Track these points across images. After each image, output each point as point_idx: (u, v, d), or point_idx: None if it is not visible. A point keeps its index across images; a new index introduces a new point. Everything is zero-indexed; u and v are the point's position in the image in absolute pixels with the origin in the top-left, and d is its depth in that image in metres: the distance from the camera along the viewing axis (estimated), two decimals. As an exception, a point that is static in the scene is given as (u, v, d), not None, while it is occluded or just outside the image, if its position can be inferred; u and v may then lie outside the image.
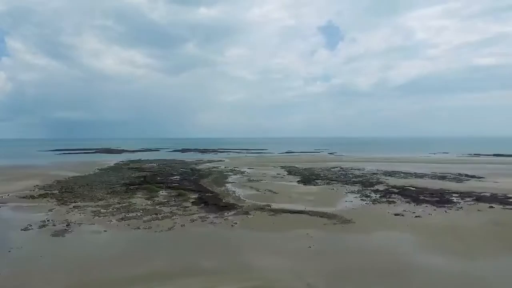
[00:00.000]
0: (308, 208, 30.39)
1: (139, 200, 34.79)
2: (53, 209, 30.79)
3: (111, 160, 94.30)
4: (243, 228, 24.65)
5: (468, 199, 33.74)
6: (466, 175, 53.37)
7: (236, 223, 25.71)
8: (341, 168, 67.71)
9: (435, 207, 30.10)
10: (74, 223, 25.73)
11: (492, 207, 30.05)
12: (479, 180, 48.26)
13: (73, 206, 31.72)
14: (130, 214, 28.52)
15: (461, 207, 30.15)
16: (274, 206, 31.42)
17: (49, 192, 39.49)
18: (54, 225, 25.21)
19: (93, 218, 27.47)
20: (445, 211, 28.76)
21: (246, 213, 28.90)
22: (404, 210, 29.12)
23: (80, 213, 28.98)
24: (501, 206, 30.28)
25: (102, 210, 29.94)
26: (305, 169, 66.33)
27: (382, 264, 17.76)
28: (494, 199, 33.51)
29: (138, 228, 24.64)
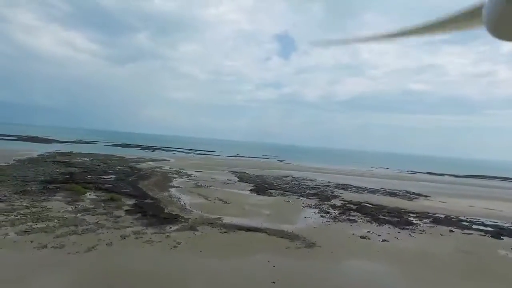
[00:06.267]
0: (265, 225, 26.49)
1: (56, 204, 27.72)
2: None
3: (35, 150, 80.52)
4: (188, 250, 19.70)
5: (426, 220, 32.95)
6: (413, 193, 54.47)
7: (179, 243, 20.63)
8: (293, 177, 65.49)
9: (398, 229, 28.25)
10: None
11: (452, 231, 29.22)
12: (427, 199, 49.15)
13: (-42, 210, 23.73)
14: (39, 225, 21.78)
15: (423, 230, 28.75)
16: (226, 220, 26.96)
17: None
18: None
19: (-18, 229, 20.24)
20: (410, 235, 26.99)
21: (193, 228, 24.00)
22: (369, 232, 26.68)
23: (-36, 221, 21.40)
24: (460, 230, 29.65)
25: (-1, 217, 22.61)
26: (256, 176, 62.78)
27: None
28: (450, 222, 33.13)
29: (45, 247, 18.30)
